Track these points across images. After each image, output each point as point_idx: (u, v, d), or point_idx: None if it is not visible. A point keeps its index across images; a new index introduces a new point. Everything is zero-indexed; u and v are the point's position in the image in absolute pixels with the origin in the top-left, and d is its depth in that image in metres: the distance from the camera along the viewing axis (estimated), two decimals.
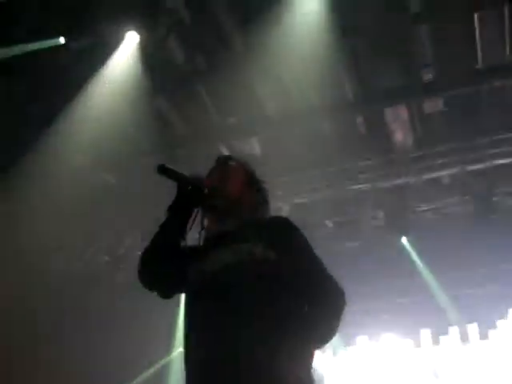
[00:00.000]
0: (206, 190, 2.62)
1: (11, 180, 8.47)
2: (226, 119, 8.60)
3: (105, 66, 7.43)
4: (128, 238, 10.47)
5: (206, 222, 2.74)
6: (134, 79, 7.62)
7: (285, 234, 2.56)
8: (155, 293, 2.65)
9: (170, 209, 2.65)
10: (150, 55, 7.48)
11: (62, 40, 7.01)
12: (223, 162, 2.83)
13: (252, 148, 8.75)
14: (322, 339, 2.49)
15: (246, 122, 8.54)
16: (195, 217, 2.70)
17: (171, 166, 2.68)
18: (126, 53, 7.27)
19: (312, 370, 2.42)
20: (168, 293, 2.68)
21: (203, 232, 2.72)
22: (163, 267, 2.57)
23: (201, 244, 2.70)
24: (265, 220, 2.73)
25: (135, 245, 10.28)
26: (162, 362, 10.95)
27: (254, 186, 2.79)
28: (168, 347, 10.78)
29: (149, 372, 10.69)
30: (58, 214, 9.00)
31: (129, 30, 6.97)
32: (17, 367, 8.74)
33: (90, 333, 9.62)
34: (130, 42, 7.20)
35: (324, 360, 10.88)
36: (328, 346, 10.87)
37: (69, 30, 7.07)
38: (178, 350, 10.62)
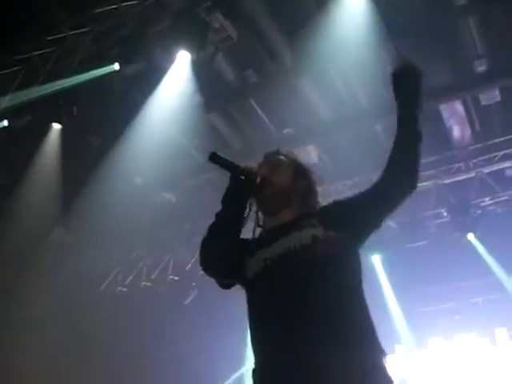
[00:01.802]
0: (259, 180, 2.61)
1: (76, 208, 8.79)
2: (280, 130, 8.65)
3: (159, 88, 7.60)
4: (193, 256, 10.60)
5: (260, 216, 2.74)
6: (188, 97, 7.77)
7: (335, 206, 2.61)
8: (215, 280, 2.67)
9: (224, 199, 2.64)
10: (201, 73, 7.61)
11: (116, 66, 7.19)
12: (272, 155, 2.81)
13: (309, 156, 8.75)
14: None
15: (302, 131, 8.56)
16: (250, 210, 2.68)
17: (224, 155, 2.66)
18: (179, 72, 7.42)
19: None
20: (226, 278, 2.66)
21: (257, 227, 2.73)
22: (222, 249, 2.56)
23: (256, 238, 2.68)
24: (318, 209, 2.72)
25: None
26: (234, 376, 11.02)
27: (303, 177, 2.76)
28: (240, 360, 10.84)
29: None
30: (121, 235, 9.26)
31: (179, 50, 7.09)
32: None
33: (167, 350, 9.81)
34: (182, 62, 7.33)
35: (398, 363, 10.73)
36: (401, 349, 10.77)
37: (122, 56, 7.25)
38: (250, 363, 10.64)
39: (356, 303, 2.40)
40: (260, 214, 2.74)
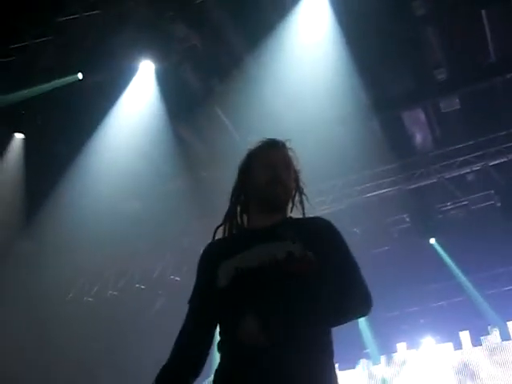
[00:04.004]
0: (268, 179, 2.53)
1: (40, 218, 8.70)
2: (245, 138, 8.70)
3: (123, 96, 7.60)
4: (159, 264, 10.57)
5: (244, 216, 2.65)
6: (152, 106, 7.78)
7: (326, 235, 2.50)
8: None
9: None
10: (165, 82, 7.62)
11: (80, 76, 7.17)
12: (284, 147, 2.67)
13: None
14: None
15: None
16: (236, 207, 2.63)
17: None
18: (143, 82, 7.43)
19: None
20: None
21: (236, 227, 2.65)
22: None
23: (234, 237, 2.62)
24: (306, 220, 2.64)
25: (167, 269, 10.40)
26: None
27: (298, 182, 2.69)
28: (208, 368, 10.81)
29: None
30: (87, 244, 9.19)
31: (143, 59, 7.11)
32: None
33: (134, 360, 9.75)
34: (146, 71, 7.34)
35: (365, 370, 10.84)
36: (369, 355, 10.86)
37: (86, 65, 7.23)
38: None
39: (326, 337, 2.36)
40: (245, 213, 2.68)
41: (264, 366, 2.20)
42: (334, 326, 2.40)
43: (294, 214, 2.71)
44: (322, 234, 2.51)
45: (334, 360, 2.37)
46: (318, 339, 2.30)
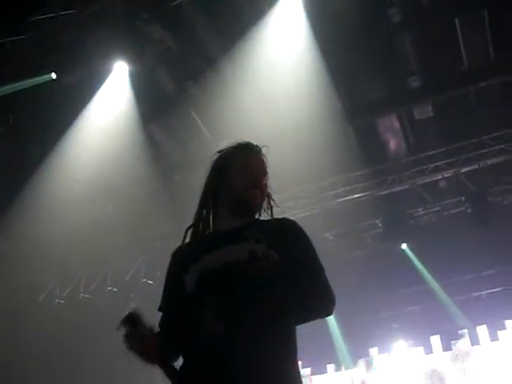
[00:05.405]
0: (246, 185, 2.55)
1: (10, 220, 8.60)
2: (219, 141, 8.68)
3: (96, 97, 7.55)
4: (132, 266, 10.50)
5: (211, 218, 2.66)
6: (126, 108, 7.74)
7: (291, 235, 2.52)
8: None
9: None
10: (139, 84, 7.59)
11: (53, 75, 7.10)
12: (261, 152, 2.70)
13: None
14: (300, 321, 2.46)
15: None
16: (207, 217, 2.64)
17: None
18: (116, 83, 7.39)
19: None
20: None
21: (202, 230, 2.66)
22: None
23: (200, 240, 2.63)
24: (272, 220, 2.65)
25: (140, 272, 10.34)
26: None
27: (268, 189, 2.70)
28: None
29: None
30: (58, 246, 9.10)
31: (117, 60, 7.07)
32: None
33: (105, 363, 9.65)
34: (119, 73, 7.31)
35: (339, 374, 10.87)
36: (340, 360, 10.91)
37: (60, 64, 7.17)
38: None
39: (282, 329, 2.37)
40: (212, 215, 2.69)
41: (220, 355, 2.23)
42: (295, 321, 2.43)
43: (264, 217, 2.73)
44: (286, 233, 2.53)
45: (306, 364, 2.39)
46: (275, 332, 2.30)
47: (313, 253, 2.54)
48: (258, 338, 2.24)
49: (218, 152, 2.80)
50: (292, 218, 2.69)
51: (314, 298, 2.43)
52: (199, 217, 2.68)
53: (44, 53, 7.48)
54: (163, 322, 2.57)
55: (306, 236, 2.57)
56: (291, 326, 2.41)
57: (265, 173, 2.66)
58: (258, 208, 2.65)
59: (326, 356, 10.56)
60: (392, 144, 9.31)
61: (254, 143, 2.74)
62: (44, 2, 7.21)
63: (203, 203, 2.70)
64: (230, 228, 2.56)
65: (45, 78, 7.17)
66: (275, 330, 2.30)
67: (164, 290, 2.63)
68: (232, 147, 2.75)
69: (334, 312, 2.48)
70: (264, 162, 2.68)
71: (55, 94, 7.55)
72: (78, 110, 7.78)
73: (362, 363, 10.98)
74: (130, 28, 6.74)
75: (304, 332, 2.46)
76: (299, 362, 2.43)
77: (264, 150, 2.73)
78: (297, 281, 2.39)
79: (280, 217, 2.69)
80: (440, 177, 9.18)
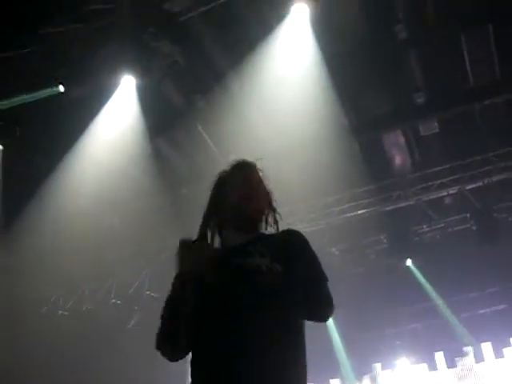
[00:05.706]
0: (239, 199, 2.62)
1: (16, 232, 8.62)
2: (226, 156, 8.68)
3: (104, 111, 7.58)
4: (136, 279, 10.50)
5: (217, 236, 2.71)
6: (133, 122, 7.77)
7: (295, 246, 2.58)
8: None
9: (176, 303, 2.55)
10: (146, 98, 7.62)
11: (61, 88, 7.13)
12: (255, 166, 2.75)
13: None
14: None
15: (247, 157, 8.61)
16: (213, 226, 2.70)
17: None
18: (124, 96, 7.42)
19: None
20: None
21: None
22: (182, 354, 2.55)
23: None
24: (277, 234, 2.70)
25: (144, 285, 10.34)
26: None
27: (271, 203, 2.76)
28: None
29: None
30: (63, 258, 9.11)
31: (124, 74, 7.11)
32: None
33: (108, 375, 9.65)
34: (127, 86, 7.34)
35: None
36: (343, 375, 10.85)
37: (68, 77, 7.21)
38: None
39: (292, 340, 2.44)
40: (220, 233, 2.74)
41: (227, 359, 2.31)
42: (294, 317, 2.48)
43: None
44: (291, 244, 2.61)
45: (309, 379, 2.43)
46: (282, 336, 2.38)
47: (317, 263, 2.61)
48: (265, 343, 2.32)
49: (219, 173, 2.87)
50: (302, 232, 2.72)
51: (318, 310, 2.55)
52: (201, 236, 2.72)
53: (52, 66, 7.51)
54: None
55: (309, 246, 2.64)
56: (298, 330, 2.48)
57: (259, 184, 2.72)
58: (256, 219, 2.70)
59: (329, 371, 10.52)
60: (397, 160, 9.32)
61: (249, 160, 2.79)
62: (52, 16, 7.26)
63: (204, 223, 2.75)
64: (234, 244, 2.63)
65: (53, 90, 7.19)
66: (282, 335, 2.37)
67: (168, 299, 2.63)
68: (229, 166, 2.82)
69: (337, 327, 2.57)
70: (258, 175, 2.74)
71: (63, 107, 7.58)
72: (85, 123, 7.82)
73: (366, 379, 10.92)
74: (138, 42, 6.78)
75: (307, 347, 2.50)
76: None
77: (261, 164, 2.79)
78: (301, 291, 2.47)
79: (285, 228, 2.74)
80: (445, 193, 9.18)
